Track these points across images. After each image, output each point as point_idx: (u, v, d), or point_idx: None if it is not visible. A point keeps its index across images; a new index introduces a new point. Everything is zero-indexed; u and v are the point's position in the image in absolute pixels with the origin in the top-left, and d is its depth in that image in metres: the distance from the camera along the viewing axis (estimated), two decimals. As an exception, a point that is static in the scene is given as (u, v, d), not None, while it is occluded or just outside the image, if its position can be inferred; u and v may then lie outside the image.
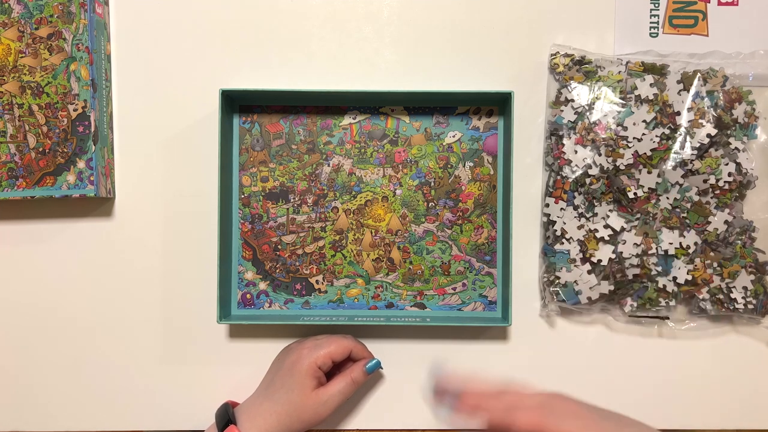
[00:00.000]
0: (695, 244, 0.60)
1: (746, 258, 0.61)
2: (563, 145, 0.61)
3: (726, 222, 0.60)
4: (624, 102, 0.61)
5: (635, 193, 0.60)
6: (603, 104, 0.61)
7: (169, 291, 0.64)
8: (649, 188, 0.60)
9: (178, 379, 0.64)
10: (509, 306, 0.59)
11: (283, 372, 0.58)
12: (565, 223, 0.61)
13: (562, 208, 0.61)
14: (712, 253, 0.61)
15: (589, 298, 0.61)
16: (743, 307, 0.61)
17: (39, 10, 0.59)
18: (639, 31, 0.64)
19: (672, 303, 0.61)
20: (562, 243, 0.61)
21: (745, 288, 0.61)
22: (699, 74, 0.61)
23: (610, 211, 0.61)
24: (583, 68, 0.62)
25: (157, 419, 0.64)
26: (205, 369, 0.64)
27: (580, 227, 0.61)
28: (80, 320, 0.64)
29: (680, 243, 0.60)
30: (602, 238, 0.60)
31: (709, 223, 0.60)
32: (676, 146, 0.60)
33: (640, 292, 0.61)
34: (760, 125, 0.61)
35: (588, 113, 0.61)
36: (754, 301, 0.61)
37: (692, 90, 0.60)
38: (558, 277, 0.61)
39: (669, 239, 0.61)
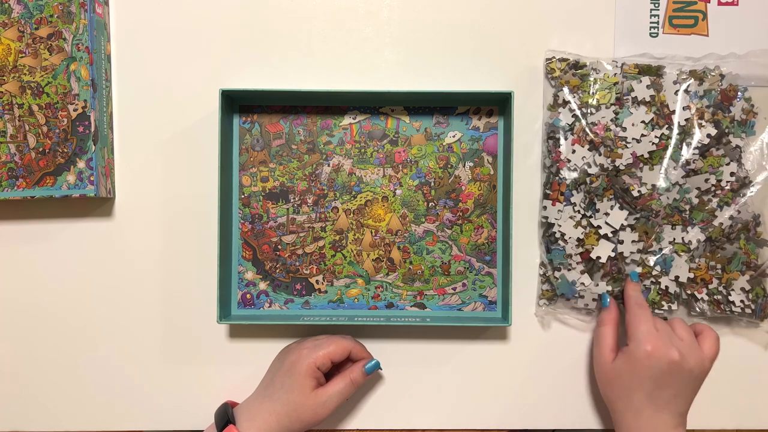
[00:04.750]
0: (698, 241, 0.60)
1: (749, 254, 0.61)
2: (560, 147, 0.61)
3: (731, 217, 0.60)
4: (621, 104, 0.61)
5: (639, 191, 0.60)
6: (600, 106, 0.61)
7: (169, 291, 0.64)
8: (652, 185, 0.60)
9: (178, 379, 0.64)
10: (509, 306, 0.59)
11: (282, 372, 0.58)
12: (560, 225, 0.61)
13: (560, 210, 0.61)
14: (711, 250, 0.61)
15: (591, 297, 0.61)
16: (740, 310, 0.61)
17: (39, 10, 0.59)
18: (639, 31, 0.64)
19: (674, 306, 0.61)
20: (559, 244, 0.61)
21: (743, 290, 0.60)
22: (695, 74, 0.61)
23: (611, 207, 0.61)
24: (578, 72, 0.62)
25: (157, 419, 0.64)
26: (205, 369, 0.64)
27: (576, 225, 0.61)
28: (80, 320, 0.64)
29: (682, 238, 0.60)
30: (605, 235, 0.60)
31: (715, 217, 0.60)
32: (676, 146, 0.60)
33: (644, 295, 0.61)
34: (758, 122, 0.61)
35: (585, 116, 0.61)
36: (752, 305, 0.61)
37: (690, 90, 0.60)
38: (557, 277, 0.61)
39: (671, 236, 0.61)
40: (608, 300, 0.60)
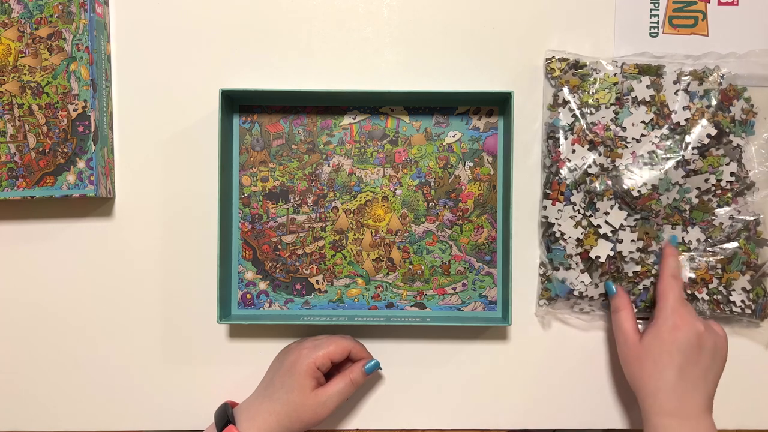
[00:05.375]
0: (698, 241, 0.60)
1: (749, 254, 0.60)
2: (560, 147, 0.61)
3: (731, 217, 0.60)
4: (621, 103, 0.61)
5: (639, 191, 0.60)
6: (600, 106, 0.61)
7: (169, 291, 0.64)
8: (652, 185, 0.60)
9: (178, 379, 0.64)
10: (509, 306, 0.59)
11: (282, 372, 0.58)
12: (560, 225, 0.61)
13: (559, 210, 0.61)
14: (711, 250, 0.61)
15: (590, 297, 0.61)
16: (741, 310, 0.60)
17: (39, 10, 0.59)
18: (639, 31, 0.64)
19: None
20: (559, 244, 0.61)
21: (744, 289, 0.60)
22: (695, 74, 0.61)
23: (611, 207, 0.61)
24: (578, 72, 0.62)
25: (157, 419, 0.64)
26: (205, 369, 0.64)
27: (576, 225, 0.61)
28: (80, 320, 0.64)
29: (682, 238, 0.60)
30: (605, 235, 0.60)
31: (715, 217, 0.60)
32: (676, 146, 0.60)
33: (643, 296, 0.61)
34: (758, 122, 0.61)
35: (585, 115, 0.61)
36: (753, 305, 0.61)
37: (689, 90, 0.60)
38: (557, 276, 0.61)
39: (671, 236, 0.61)
40: (614, 288, 0.60)
